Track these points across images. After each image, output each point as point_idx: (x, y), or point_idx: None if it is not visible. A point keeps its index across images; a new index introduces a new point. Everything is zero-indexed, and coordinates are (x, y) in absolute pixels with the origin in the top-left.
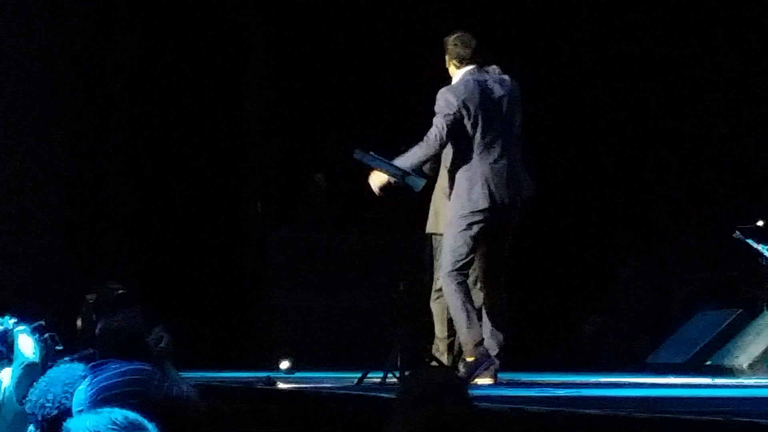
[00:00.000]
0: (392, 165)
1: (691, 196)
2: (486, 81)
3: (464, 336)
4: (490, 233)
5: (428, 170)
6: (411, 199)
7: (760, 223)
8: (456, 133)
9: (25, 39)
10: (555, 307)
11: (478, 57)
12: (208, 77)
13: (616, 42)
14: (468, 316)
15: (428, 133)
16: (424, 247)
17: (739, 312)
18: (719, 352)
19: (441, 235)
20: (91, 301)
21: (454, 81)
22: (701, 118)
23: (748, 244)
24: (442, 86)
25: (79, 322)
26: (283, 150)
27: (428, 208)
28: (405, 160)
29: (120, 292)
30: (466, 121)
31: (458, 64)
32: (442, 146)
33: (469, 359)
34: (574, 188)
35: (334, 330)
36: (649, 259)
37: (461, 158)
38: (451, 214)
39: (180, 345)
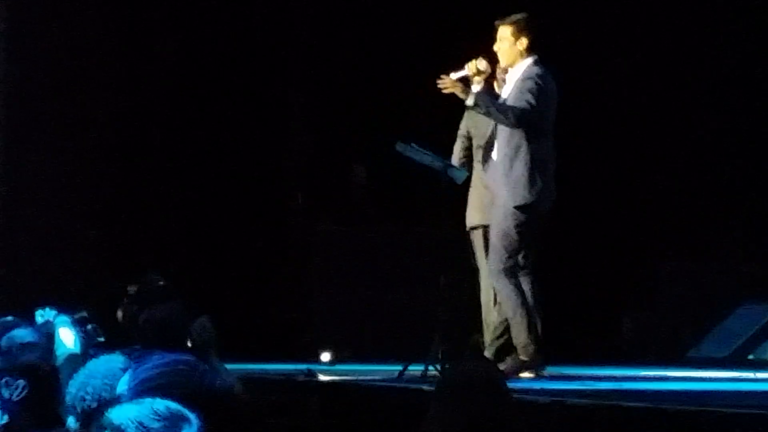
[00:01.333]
0: (435, 156)
1: (731, 189)
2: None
3: (523, 336)
4: (540, 227)
5: (460, 162)
6: (453, 191)
7: None
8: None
9: (67, 31)
10: (596, 301)
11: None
12: (248, 69)
13: (644, 35)
14: (529, 316)
15: (521, 107)
16: (467, 241)
17: None
18: (761, 347)
19: (483, 227)
20: (132, 293)
21: (521, 67)
22: (740, 113)
23: None
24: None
25: (119, 314)
26: (325, 142)
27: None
28: (498, 105)
29: (161, 283)
30: (544, 113)
31: (528, 51)
32: (521, 125)
33: (522, 358)
34: (614, 181)
35: (376, 322)
36: (691, 253)
37: (527, 148)
38: (508, 205)
39: (222, 337)
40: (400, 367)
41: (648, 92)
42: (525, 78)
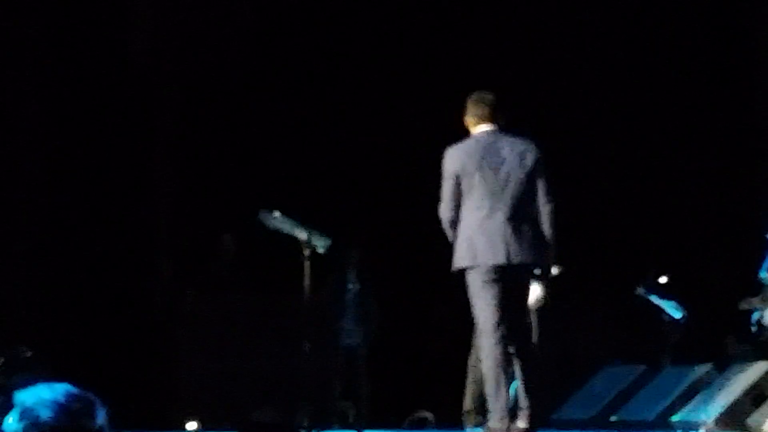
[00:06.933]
0: (297, 225)
1: (594, 251)
2: (494, 142)
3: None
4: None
5: None
6: (318, 259)
7: (663, 279)
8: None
9: None
10: (456, 361)
11: (496, 117)
12: (115, 135)
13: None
14: (497, 382)
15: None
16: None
17: (643, 368)
18: (624, 408)
19: None
20: None
21: None
22: (599, 181)
23: (650, 300)
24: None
25: None
26: (193, 211)
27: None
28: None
29: (28, 355)
30: (462, 180)
31: (474, 123)
32: (445, 210)
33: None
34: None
35: (242, 391)
36: (553, 315)
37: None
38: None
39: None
40: None
41: None
42: None
